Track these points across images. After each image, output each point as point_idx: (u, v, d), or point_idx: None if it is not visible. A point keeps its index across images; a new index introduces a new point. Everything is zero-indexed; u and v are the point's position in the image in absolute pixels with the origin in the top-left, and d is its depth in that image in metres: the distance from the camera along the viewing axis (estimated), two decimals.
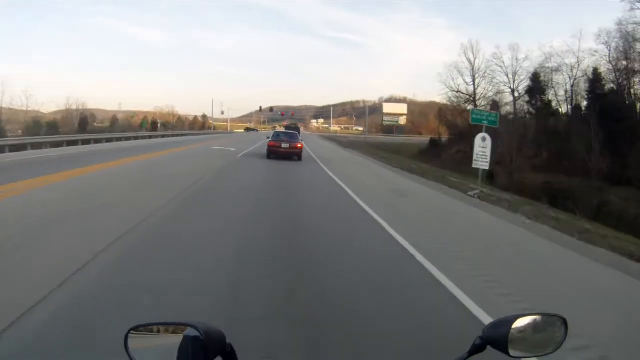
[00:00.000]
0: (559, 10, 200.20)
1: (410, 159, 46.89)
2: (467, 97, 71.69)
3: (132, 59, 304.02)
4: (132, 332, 1.49)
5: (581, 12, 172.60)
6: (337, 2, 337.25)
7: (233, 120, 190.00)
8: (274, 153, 27.71)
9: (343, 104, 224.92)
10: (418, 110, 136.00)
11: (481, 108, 64.53)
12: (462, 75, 71.16)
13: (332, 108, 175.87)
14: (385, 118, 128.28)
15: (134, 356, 1.43)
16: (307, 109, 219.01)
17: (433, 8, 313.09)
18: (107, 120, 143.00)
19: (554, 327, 1.66)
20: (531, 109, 60.45)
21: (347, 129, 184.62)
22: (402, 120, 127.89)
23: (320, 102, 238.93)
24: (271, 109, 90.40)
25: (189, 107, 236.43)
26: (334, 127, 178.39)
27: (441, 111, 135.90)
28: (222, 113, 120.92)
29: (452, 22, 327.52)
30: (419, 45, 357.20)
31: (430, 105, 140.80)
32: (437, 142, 72.21)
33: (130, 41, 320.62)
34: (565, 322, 1.65)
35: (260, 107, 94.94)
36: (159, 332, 1.53)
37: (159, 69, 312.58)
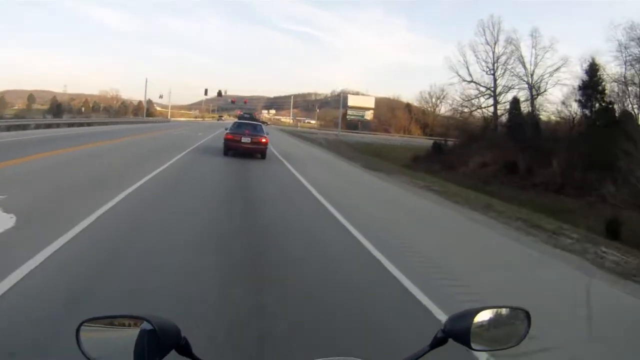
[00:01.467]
0: None
1: (410, 169, 33.86)
2: (485, 90, 58.01)
3: (85, 40, 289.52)
4: (84, 325, 1.38)
5: None
6: None
7: (181, 107, 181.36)
8: (232, 148, 21.75)
9: (295, 96, 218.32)
10: (382, 105, 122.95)
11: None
12: (479, 61, 57.19)
13: (292, 98, 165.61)
14: (349, 112, 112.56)
15: (86, 350, 1.34)
16: (258, 99, 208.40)
17: (394, 7, 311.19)
18: (48, 102, 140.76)
19: (516, 320, 1.58)
20: (585, 111, 42.72)
21: (299, 121, 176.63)
22: (369, 115, 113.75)
23: (272, 92, 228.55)
24: (220, 94, 73.91)
25: (137, 92, 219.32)
26: (284, 119, 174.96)
27: (410, 107, 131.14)
28: (160, 97, 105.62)
29: (412, 22, 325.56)
30: (374, 42, 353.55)
31: (391, 102, 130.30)
32: (441, 147, 55.25)
33: (86, 22, 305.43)
34: (528, 316, 1.56)
35: (206, 90, 77.24)
36: (112, 325, 1.43)
37: (113, 52, 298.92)
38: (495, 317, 1.54)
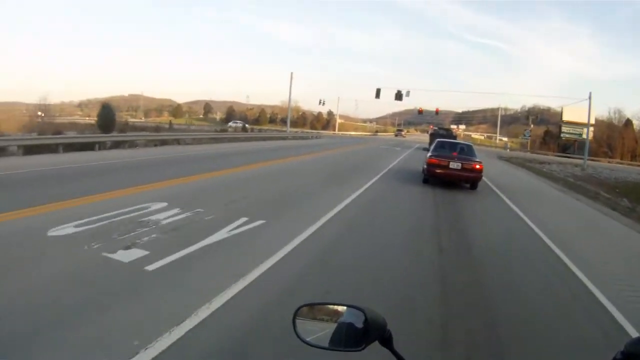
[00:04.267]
0: None
1: None
2: None
3: (262, 52, 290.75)
4: (300, 309, 1.55)
5: None
6: (479, 6, 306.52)
7: (365, 120, 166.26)
8: (436, 176, 16.81)
9: (484, 111, 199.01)
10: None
11: None
12: None
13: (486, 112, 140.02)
14: (564, 129, 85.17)
15: (300, 332, 1.50)
16: (445, 113, 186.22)
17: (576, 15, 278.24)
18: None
19: None
20: None
21: (490, 137, 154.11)
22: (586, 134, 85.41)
23: (459, 107, 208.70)
24: (399, 96, 57.57)
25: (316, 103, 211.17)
26: (475, 135, 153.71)
27: (631, 124, 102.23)
28: (322, 104, 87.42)
29: (596, 30, 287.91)
30: (560, 56, 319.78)
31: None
32: None
33: (262, 36, 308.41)
34: None
35: (378, 91, 56.84)
36: (325, 311, 1.56)
37: (295, 65, 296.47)
38: None
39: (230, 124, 78.37)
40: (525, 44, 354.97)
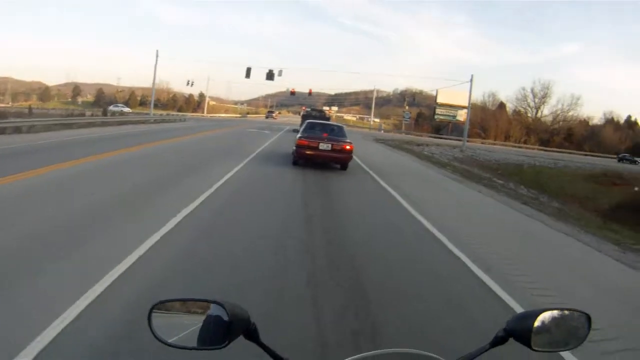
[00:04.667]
0: None
1: None
2: None
3: (136, 33, 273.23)
4: (155, 307, 1.38)
5: None
6: None
7: (237, 102, 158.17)
8: (306, 157, 16.16)
9: (356, 93, 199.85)
10: None
11: None
12: None
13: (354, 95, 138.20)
14: (439, 111, 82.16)
15: (156, 332, 1.35)
16: (318, 95, 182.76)
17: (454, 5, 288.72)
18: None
19: (577, 322, 1.50)
20: None
21: (362, 119, 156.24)
22: (462, 116, 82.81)
23: (332, 89, 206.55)
24: (270, 75, 51.65)
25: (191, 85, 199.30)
26: (347, 117, 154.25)
27: (504, 107, 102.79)
28: (190, 84, 77.23)
29: (472, 19, 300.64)
30: (436, 41, 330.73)
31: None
32: None
33: (137, 18, 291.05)
34: (589, 319, 1.49)
35: (248, 70, 52.70)
36: (183, 308, 1.43)
37: (169, 46, 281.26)
38: (557, 319, 1.47)
39: (111, 107, 66.50)
40: (400, 29, 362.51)
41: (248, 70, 50.89)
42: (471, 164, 34.70)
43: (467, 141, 70.57)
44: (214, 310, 1.32)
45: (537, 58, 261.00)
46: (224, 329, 1.28)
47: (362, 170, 16.94)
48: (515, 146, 74.38)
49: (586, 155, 71.44)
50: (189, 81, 75.63)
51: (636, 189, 37.30)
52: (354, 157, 17.09)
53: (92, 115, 42.88)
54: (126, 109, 64.62)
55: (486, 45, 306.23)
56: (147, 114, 55.62)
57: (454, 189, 15.65)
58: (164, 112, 70.73)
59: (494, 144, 74.15)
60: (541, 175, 38.51)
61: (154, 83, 55.74)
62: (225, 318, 1.29)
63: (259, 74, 51.66)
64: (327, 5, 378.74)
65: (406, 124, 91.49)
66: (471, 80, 43.74)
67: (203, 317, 1.33)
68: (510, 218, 11.50)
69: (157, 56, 51.65)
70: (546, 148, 75.23)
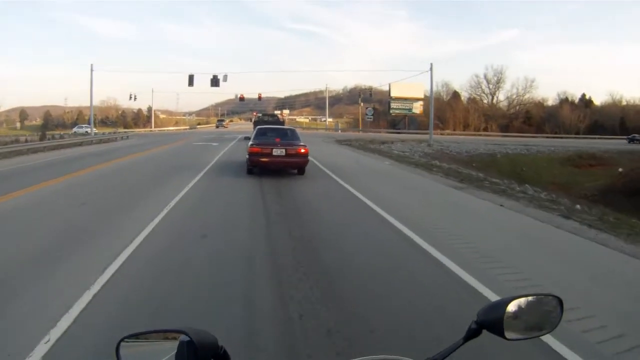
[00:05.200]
0: None
1: None
2: None
3: (81, 51, 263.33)
4: (123, 341, 1.35)
5: None
6: None
7: (186, 113, 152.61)
8: (260, 165, 15.45)
9: (306, 94, 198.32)
10: None
11: None
12: None
13: (305, 97, 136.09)
14: (394, 105, 78.75)
15: None
16: (268, 100, 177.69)
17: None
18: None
19: (548, 307, 1.49)
20: None
21: (315, 120, 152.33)
22: (417, 108, 79.69)
23: (282, 93, 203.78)
24: (215, 81, 48.65)
25: (139, 101, 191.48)
26: (299, 119, 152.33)
27: (459, 96, 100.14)
28: (134, 99, 71.95)
29: (413, 13, 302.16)
30: (380, 37, 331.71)
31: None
32: None
33: (82, 32, 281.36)
34: (560, 302, 1.48)
35: (191, 78, 50.52)
36: (150, 340, 1.40)
37: (112, 62, 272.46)
38: (527, 305, 1.45)
39: (75, 129, 60.64)
40: (344, 28, 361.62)
41: (191, 78, 47.34)
42: (447, 159, 31.16)
43: (426, 133, 67.79)
44: (183, 338, 1.27)
45: (481, 45, 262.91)
46: (194, 356, 1.24)
47: (338, 187, 13.07)
48: (477, 134, 71.69)
49: (549, 137, 69.25)
50: (131, 95, 70.55)
51: (620, 170, 34.77)
52: (324, 167, 15.66)
53: (25, 141, 37.41)
54: (87, 129, 57.49)
55: (430, 37, 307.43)
56: (103, 133, 50.79)
57: (476, 207, 10.83)
58: (112, 130, 65.00)
59: (453, 134, 71.27)
60: (517, 164, 35.53)
61: (91, 100, 50.30)
62: (194, 346, 1.25)
63: (205, 82, 47.10)
64: (265, 9, 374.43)
65: (369, 121, 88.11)
66: (431, 69, 40.11)
67: (174, 346, 1.28)
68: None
69: (92, 70, 46.69)
70: (507, 134, 72.80)
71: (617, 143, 55.53)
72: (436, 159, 28.34)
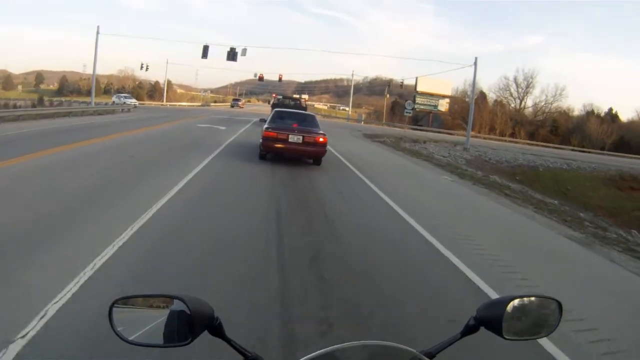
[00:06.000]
0: None
1: None
2: None
3: (106, 18, 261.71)
4: (116, 304, 1.32)
5: None
6: None
7: (205, 90, 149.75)
8: (275, 151, 14.42)
9: (326, 81, 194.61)
10: None
11: None
12: None
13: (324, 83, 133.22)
14: (419, 100, 74.79)
15: (118, 329, 1.28)
16: (288, 83, 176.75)
17: None
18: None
19: (548, 309, 1.47)
20: None
21: (334, 107, 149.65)
22: (443, 106, 75.86)
23: (302, 77, 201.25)
24: (232, 55, 43.55)
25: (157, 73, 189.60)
26: (318, 105, 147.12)
27: (486, 98, 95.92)
28: (146, 69, 67.28)
29: (439, 8, 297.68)
30: (404, 29, 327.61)
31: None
32: None
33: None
34: (560, 306, 1.46)
35: (205, 49, 44.55)
36: (145, 304, 1.36)
37: (134, 31, 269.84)
38: (527, 306, 1.43)
39: (114, 98, 54.19)
40: (368, 16, 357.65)
41: (205, 49, 42.61)
42: (489, 169, 27.86)
43: (451, 134, 64.15)
44: (177, 305, 1.24)
45: (508, 47, 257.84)
46: (187, 325, 1.22)
47: (399, 220, 8.64)
48: (506, 140, 67.64)
49: (580, 151, 65.27)
50: (142, 64, 66.46)
51: None
52: (375, 187, 11.71)
53: (14, 106, 33.90)
54: (131, 101, 51.88)
55: (458, 35, 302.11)
56: (106, 103, 47.34)
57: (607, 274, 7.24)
58: (108, 101, 60.58)
59: (477, 137, 67.58)
60: (560, 180, 32.17)
61: (94, 66, 45.64)
62: (188, 313, 1.22)
63: (224, 58, 42.92)
64: None
65: (386, 114, 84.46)
66: (475, 64, 36.28)
67: (167, 313, 1.26)
68: None
69: (97, 32, 42.43)
70: (534, 142, 68.76)
71: None
72: (480, 169, 25.04)
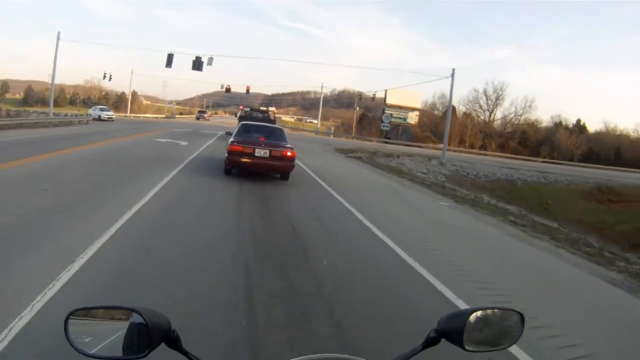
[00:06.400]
0: None
1: None
2: None
3: (74, 28, 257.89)
4: (72, 316, 1.29)
5: None
6: None
7: (171, 102, 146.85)
8: (240, 165, 13.91)
9: (293, 94, 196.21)
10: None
11: None
12: None
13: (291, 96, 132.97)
14: (387, 112, 73.40)
15: (74, 341, 1.25)
16: (254, 96, 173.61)
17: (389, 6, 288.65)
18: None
19: (510, 321, 1.44)
20: None
21: (301, 120, 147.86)
22: (413, 118, 74.57)
23: (269, 90, 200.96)
24: (197, 64, 40.92)
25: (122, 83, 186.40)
26: (285, 118, 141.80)
27: (455, 110, 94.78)
28: (109, 78, 64.55)
29: (406, 21, 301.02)
30: (371, 42, 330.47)
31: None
32: None
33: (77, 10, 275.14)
34: (522, 318, 1.43)
35: (169, 57, 42.60)
36: (102, 316, 1.33)
37: (103, 41, 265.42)
38: (489, 318, 1.41)
39: (90, 111, 49.02)
40: (336, 30, 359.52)
41: (169, 58, 40.30)
42: (469, 185, 26.22)
43: (421, 147, 62.82)
44: (135, 318, 1.23)
45: (475, 60, 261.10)
46: (145, 337, 1.20)
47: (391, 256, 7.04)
48: (477, 153, 66.61)
49: (552, 163, 64.60)
50: (105, 74, 64.00)
51: None
52: (364, 218, 9.95)
53: None
54: (108, 113, 48.65)
55: (425, 48, 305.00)
56: (65, 114, 44.38)
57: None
58: (69, 112, 56.93)
59: (449, 149, 66.23)
60: (539, 194, 30.84)
61: (53, 75, 43.38)
62: (145, 325, 1.20)
63: (189, 68, 40.58)
64: (260, 3, 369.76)
65: (355, 127, 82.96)
66: (452, 75, 34.83)
67: (126, 325, 1.24)
68: None
69: (58, 38, 40.09)
70: (503, 154, 67.96)
71: (625, 176, 51.01)
72: (460, 185, 23.33)
